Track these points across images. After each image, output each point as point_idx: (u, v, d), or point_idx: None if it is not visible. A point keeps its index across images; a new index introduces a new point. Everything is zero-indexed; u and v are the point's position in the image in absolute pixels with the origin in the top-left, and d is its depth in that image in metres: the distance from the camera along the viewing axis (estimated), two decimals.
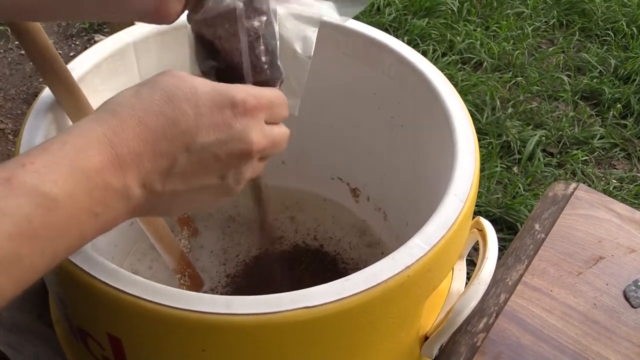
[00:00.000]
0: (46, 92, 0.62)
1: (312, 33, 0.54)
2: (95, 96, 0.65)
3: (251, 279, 0.82)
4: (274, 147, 0.46)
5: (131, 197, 0.40)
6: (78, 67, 0.65)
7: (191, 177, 0.42)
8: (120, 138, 0.38)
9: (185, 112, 0.40)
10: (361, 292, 0.48)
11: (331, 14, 0.55)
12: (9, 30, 1.92)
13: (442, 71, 0.68)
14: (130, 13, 0.49)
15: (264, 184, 0.65)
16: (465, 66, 1.83)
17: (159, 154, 0.40)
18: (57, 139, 0.37)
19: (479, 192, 1.43)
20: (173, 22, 0.50)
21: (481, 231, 0.64)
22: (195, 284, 0.79)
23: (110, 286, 0.47)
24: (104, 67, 0.68)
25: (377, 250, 0.87)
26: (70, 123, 0.62)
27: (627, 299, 0.70)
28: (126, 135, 0.39)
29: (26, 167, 0.35)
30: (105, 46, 0.69)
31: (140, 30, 0.71)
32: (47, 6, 0.47)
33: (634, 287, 0.70)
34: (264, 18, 0.49)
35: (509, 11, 2.03)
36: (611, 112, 1.71)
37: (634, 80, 1.80)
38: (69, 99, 0.60)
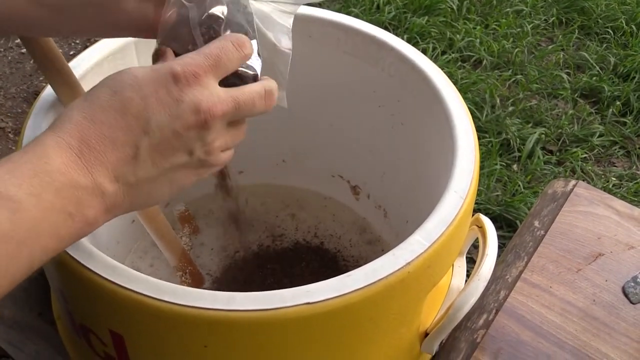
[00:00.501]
0: (48, 90, 0.62)
1: (288, 25, 0.53)
2: None
3: (252, 276, 0.82)
4: (238, 107, 0.44)
5: (105, 194, 0.40)
6: (80, 65, 0.66)
7: (159, 159, 0.42)
8: (77, 139, 0.39)
9: (130, 99, 0.40)
10: (362, 288, 0.48)
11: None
12: None
13: (442, 69, 0.69)
14: (125, 29, 0.50)
15: (233, 172, 0.65)
16: (464, 64, 1.84)
17: (119, 145, 0.40)
18: (19, 150, 0.38)
19: (478, 190, 1.43)
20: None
21: (481, 228, 0.64)
22: (196, 282, 0.79)
23: (113, 282, 0.48)
24: (105, 66, 0.68)
25: (377, 248, 0.87)
26: None
27: (626, 295, 0.70)
28: (82, 136, 0.39)
29: None
30: (107, 44, 0.69)
31: None
32: (42, 23, 0.48)
33: (632, 284, 0.71)
34: (221, 16, 0.48)
35: (508, 9, 2.04)
36: (610, 110, 1.71)
37: (634, 78, 1.80)
38: (71, 96, 0.60)
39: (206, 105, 0.42)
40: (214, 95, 0.42)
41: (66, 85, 0.60)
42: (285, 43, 0.52)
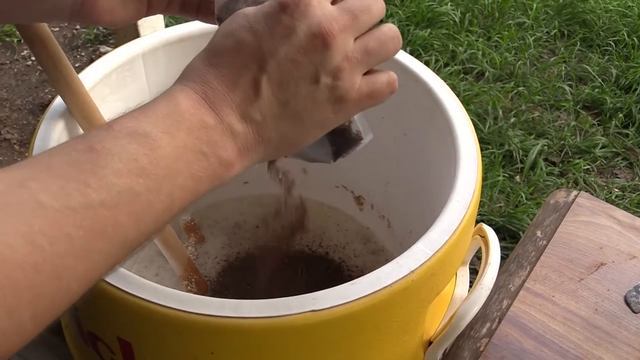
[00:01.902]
0: (57, 101, 0.63)
1: None
2: (104, 106, 0.66)
3: (256, 285, 0.82)
4: (355, 18, 0.41)
5: (235, 133, 0.39)
6: (88, 77, 0.66)
7: (282, 93, 0.40)
8: (200, 83, 0.39)
9: (244, 38, 0.40)
10: (367, 295, 0.49)
11: None
12: (21, 38, 1.95)
13: (445, 81, 0.70)
14: (53, 11, 0.49)
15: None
16: (467, 76, 1.85)
17: (240, 84, 0.40)
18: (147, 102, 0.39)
19: (481, 201, 1.44)
20: (110, 23, 0.50)
21: (484, 237, 0.65)
22: (202, 291, 0.80)
23: (121, 290, 0.48)
24: (113, 77, 0.69)
25: (381, 257, 0.88)
26: (82, 131, 0.63)
27: (628, 304, 0.71)
28: (203, 79, 0.39)
29: (125, 116, 0.36)
30: (115, 57, 0.70)
31: (148, 41, 0.73)
32: None
33: (634, 293, 0.71)
34: None
35: (510, 22, 2.05)
36: (613, 122, 1.72)
37: (635, 89, 1.82)
38: (81, 107, 0.61)
39: (320, 24, 0.40)
40: (327, 13, 0.40)
41: (76, 95, 0.61)
42: None
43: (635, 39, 2.00)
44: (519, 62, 1.88)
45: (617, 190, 1.57)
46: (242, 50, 0.40)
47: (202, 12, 0.55)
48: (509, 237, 1.43)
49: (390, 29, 0.44)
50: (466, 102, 1.70)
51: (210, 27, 0.75)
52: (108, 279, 0.49)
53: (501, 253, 0.64)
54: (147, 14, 0.53)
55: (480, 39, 1.96)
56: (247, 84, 0.40)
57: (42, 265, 0.29)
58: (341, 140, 0.50)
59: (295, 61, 0.40)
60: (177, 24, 0.75)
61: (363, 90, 0.43)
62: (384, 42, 0.43)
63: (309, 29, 0.40)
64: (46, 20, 0.56)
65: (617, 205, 1.42)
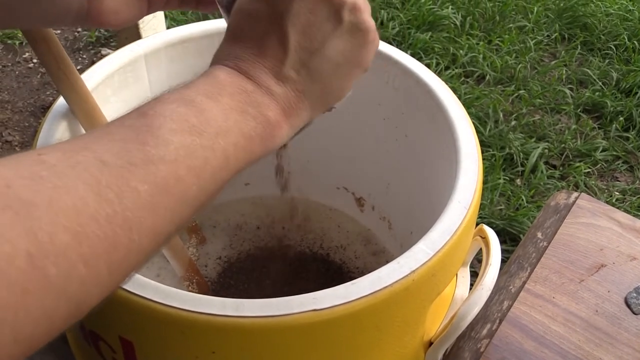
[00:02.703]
0: (59, 102, 0.63)
1: None
2: (106, 107, 0.67)
3: (257, 286, 0.83)
4: None
5: (275, 94, 0.41)
6: (90, 78, 0.67)
7: (309, 42, 0.42)
8: (231, 60, 0.41)
9: (256, 7, 0.42)
10: (367, 295, 0.49)
11: None
12: (23, 40, 1.95)
13: (445, 84, 0.70)
14: (58, 12, 0.50)
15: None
16: (468, 79, 1.85)
17: (266, 49, 0.41)
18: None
19: (482, 203, 1.44)
20: (114, 24, 0.51)
21: (484, 238, 0.65)
22: (203, 291, 0.80)
23: (123, 289, 0.49)
24: (115, 79, 0.70)
25: (381, 259, 0.88)
26: (84, 132, 0.64)
27: (628, 305, 0.71)
28: (231, 53, 0.42)
29: (167, 93, 0.38)
30: (117, 58, 0.70)
31: (150, 42, 0.73)
32: None
33: (635, 294, 0.71)
34: None
35: (511, 25, 2.05)
36: (613, 125, 1.72)
37: (636, 93, 1.82)
38: (83, 107, 0.62)
39: None
40: None
41: (78, 96, 0.61)
42: None
43: (635, 42, 2.00)
44: (520, 66, 1.88)
45: (617, 193, 1.57)
46: (258, 19, 0.42)
47: (201, 2, 0.55)
48: (510, 240, 1.43)
49: None
50: (467, 105, 1.71)
51: (212, 28, 0.75)
52: None
53: (501, 256, 0.64)
54: (148, 12, 0.53)
55: (481, 43, 1.96)
56: (273, 46, 0.42)
57: (113, 217, 0.31)
58: None
59: (312, 8, 0.42)
60: (178, 25, 0.76)
61: (372, 20, 0.45)
62: None
63: None
64: (50, 26, 0.57)
65: (618, 208, 1.42)
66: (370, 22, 0.44)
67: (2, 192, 0.28)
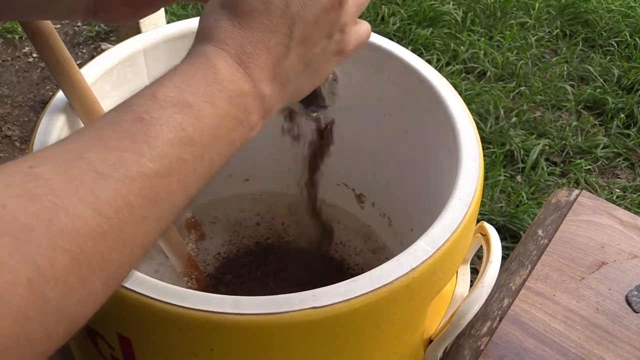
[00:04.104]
0: (58, 97, 0.63)
1: None
2: (105, 102, 0.66)
3: (257, 282, 0.82)
4: None
5: (265, 97, 0.41)
6: (89, 73, 0.66)
7: (305, 51, 0.43)
8: (234, 47, 0.40)
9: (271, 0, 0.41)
10: (367, 293, 0.49)
11: None
12: (22, 34, 1.94)
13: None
14: (67, 9, 0.50)
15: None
16: (469, 76, 1.85)
17: (271, 47, 0.41)
18: (182, 62, 0.39)
19: (482, 200, 1.44)
20: (122, 21, 0.51)
21: (485, 236, 0.65)
22: (202, 287, 0.80)
23: (121, 285, 0.48)
24: (114, 74, 0.69)
25: (382, 256, 0.88)
26: (83, 126, 0.63)
27: (629, 303, 0.71)
28: (237, 43, 0.40)
29: (165, 84, 0.37)
30: (116, 53, 0.70)
31: (150, 37, 0.72)
32: None
33: (636, 292, 0.71)
34: None
35: (512, 21, 2.05)
36: (615, 122, 1.72)
37: (637, 90, 1.81)
38: (82, 101, 0.61)
39: None
40: None
41: (78, 90, 0.61)
42: None
43: (637, 39, 1.99)
44: (521, 62, 1.88)
45: (618, 190, 1.57)
46: (271, 12, 0.41)
47: None
48: (510, 236, 1.43)
49: None
50: (468, 102, 1.70)
51: None
52: None
53: (502, 253, 0.63)
54: (156, 9, 0.54)
55: (482, 39, 1.95)
56: (277, 46, 0.41)
57: (110, 234, 0.31)
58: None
59: (317, 21, 0.42)
60: (178, 20, 0.75)
61: (354, 42, 0.46)
62: None
63: None
64: (61, 20, 0.57)
65: (619, 205, 1.41)
66: (349, 43, 0.45)
67: None
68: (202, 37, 0.41)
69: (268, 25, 0.41)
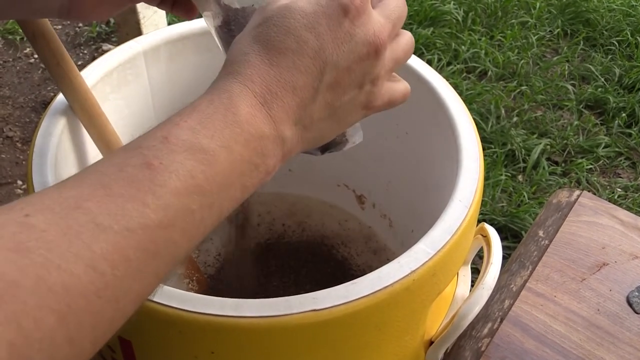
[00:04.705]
0: (59, 99, 0.63)
1: None
2: (105, 104, 0.66)
3: (257, 283, 0.82)
4: (394, 26, 0.42)
5: (285, 141, 0.39)
6: (89, 75, 0.66)
7: (333, 98, 0.41)
8: (260, 86, 0.38)
9: (307, 39, 0.39)
10: (367, 295, 0.49)
11: None
12: (24, 35, 1.95)
13: (447, 80, 0.69)
14: (42, 7, 0.50)
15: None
16: (470, 75, 1.84)
17: (299, 88, 0.39)
18: (202, 98, 0.37)
19: (483, 200, 1.44)
20: (97, 19, 0.51)
21: (485, 237, 0.65)
22: (203, 289, 0.80)
23: None
24: (114, 76, 0.69)
25: (382, 257, 0.88)
26: (83, 129, 0.63)
27: (630, 304, 0.71)
28: (263, 81, 0.38)
29: (180, 125, 0.35)
30: (116, 55, 0.70)
31: (150, 38, 0.72)
32: None
33: (637, 293, 0.71)
34: None
35: (513, 21, 2.05)
36: (616, 121, 1.72)
37: (639, 89, 1.81)
38: (83, 104, 0.61)
39: (375, 33, 0.40)
40: (378, 21, 0.41)
41: (78, 93, 0.61)
42: None
43: (638, 38, 1.99)
44: (522, 61, 1.88)
45: (619, 190, 1.57)
46: (304, 52, 0.39)
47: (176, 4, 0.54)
48: (511, 236, 1.43)
49: (411, 39, 0.45)
50: (469, 102, 1.70)
51: None
52: None
53: (503, 253, 0.63)
54: (127, 5, 0.53)
55: (483, 38, 1.95)
56: (305, 88, 0.39)
57: (104, 291, 0.29)
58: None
59: (350, 68, 0.40)
60: (179, 22, 0.75)
61: (385, 98, 0.44)
62: (407, 52, 0.44)
63: (365, 37, 0.40)
64: (36, 18, 0.57)
65: (620, 205, 1.41)
66: (378, 98, 0.43)
67: None
68: (228, 69, 0.39)
69: (298, 66, 0.39)
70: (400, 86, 0.46)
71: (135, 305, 0.32)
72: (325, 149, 0.51)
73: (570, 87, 1.82)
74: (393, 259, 0.52)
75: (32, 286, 0.27)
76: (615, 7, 2.09)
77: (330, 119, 0.42)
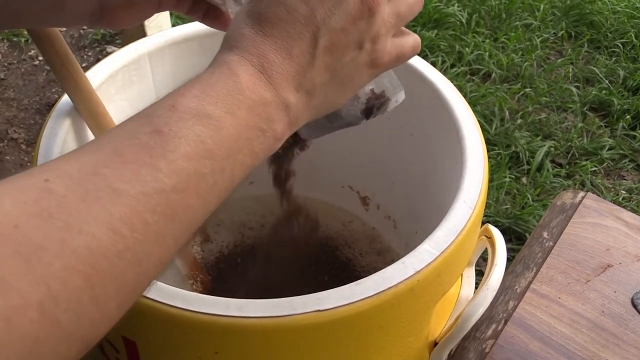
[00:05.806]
0: (64, 100, 0.63)
1: None
2: (110, 105, 0.66)
3: (261, 284, 0.82)
4: None
5: (289, 106, 0.40)
6: (94, 76, 0.67)
7: (331, 60, 0.41)
8: (256, 55, 0.39)
9: (296, 6, 0.40)
10: (371, 296, 0.49)
11: None
12: (28, 37, 1.95)
13: (451, 82, 0.69)
14: (73, 16, 0.51)
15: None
16: (474, 77, 1.84)
17: (295, 55, 0.40)
18: (204, 71, 0.39)
19: (487, 202, 1.44)
20: (127, 25, 0.52)
21: (490, 238, 0.65)
22: (206, 290, 0.80)
23: None
24: (119, 77, 0.70)
25: (387, 258, 0.88)
26: (88, 130, 0.64)
27: (634, 306, 0.70)
28: (259, 51, 0.39)
29: (185, 95, 0.36)
30: (121, 56, 0.70)
31: (155, 40, 0.73)
32: None
33: None
34: None
35: (517, 23, 2.05)
36: (620, 124, 1.72)
37: None
38: (88, 105, 0.61)
39: None
40: None
41: (83, 94, 0.61)
42: None
43: None
44: (526, 64, 1.87)
45: (624, 192, 1.56)
46: (295, 19, 0.40)
47: (208, 15, 0.55)
48: (515, 238, 1.42)
49: None
50: (473, 104, 1.70)
51: None
52: None
53: (507, 255, 0.63)
54: (158, 11, 0.54)
55: (487, 40, 1.95)
56: (301, 54, 0.40)
57: (124, 253, 0.30)
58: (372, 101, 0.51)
59: (345, 29, 0.41)
60: (184, 23, 0.75)
61: (393, 54, 0.45)
62: (412, 5, 0.45)
63: None
64: (67, 27, 0.57)
65: (624, 207, 1.41)
66: (383, 56, 0.44)
67: (10, 234, 0.27)
68: (225, 46, 0.40)
69: (292, 34, 0.40)
70: (409, 40, 0.46)
71: (159, 269, 0.33)
72: (368, 112, 0.51)
73: (574, 89, 1.81)
74: (397, 260, 0.52)
75: (57, 249, 0.28)
76: (620, 9, 2.09)
77: (334, 81, 0.42)
